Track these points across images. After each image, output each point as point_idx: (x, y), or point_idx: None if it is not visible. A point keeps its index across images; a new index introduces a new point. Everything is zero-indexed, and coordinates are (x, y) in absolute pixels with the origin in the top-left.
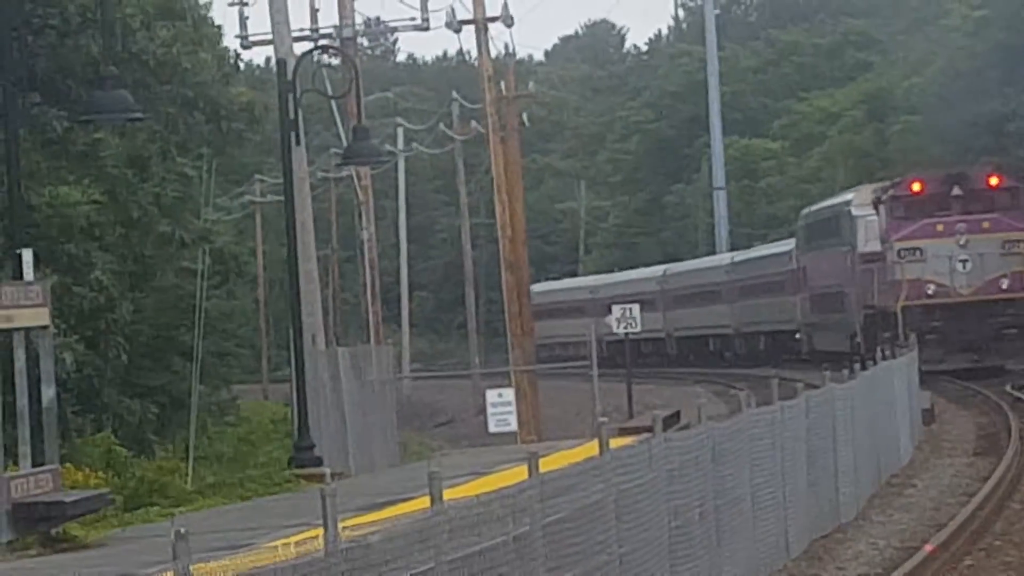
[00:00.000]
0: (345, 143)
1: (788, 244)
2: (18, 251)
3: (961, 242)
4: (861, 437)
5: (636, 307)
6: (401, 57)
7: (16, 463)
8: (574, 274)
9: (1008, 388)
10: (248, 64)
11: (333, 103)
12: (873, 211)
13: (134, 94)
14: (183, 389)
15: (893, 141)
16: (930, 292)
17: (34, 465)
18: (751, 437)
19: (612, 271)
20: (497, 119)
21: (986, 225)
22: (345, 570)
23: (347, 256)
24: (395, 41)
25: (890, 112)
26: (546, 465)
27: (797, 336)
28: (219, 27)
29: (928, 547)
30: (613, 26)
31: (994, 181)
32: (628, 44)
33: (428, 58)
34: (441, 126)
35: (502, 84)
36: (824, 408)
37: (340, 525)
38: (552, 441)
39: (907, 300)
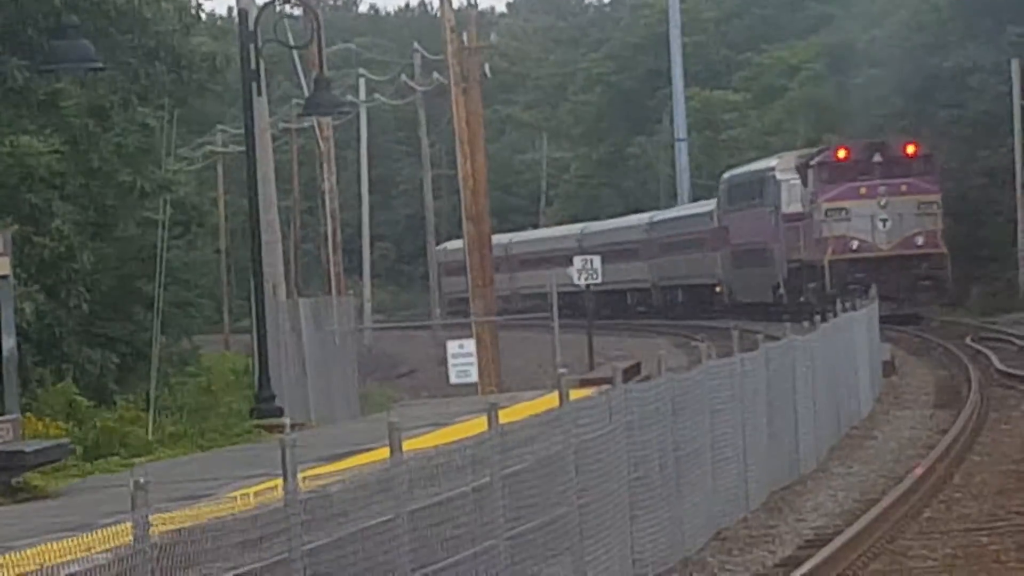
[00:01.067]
0: (307, 94)
1: (708, 204)
2: None
3: (881, 203)
4: (821, 389)
5: (598, 259)
6: (363, 8)
7: None
8: (535, 226)
9: (968, 340)
10: (210, 15)
11: (295, 53)
12: (796, 176)
13: (95, 44)
14: (144, 339)
15: (854, 94)
16: (854, 247)
17: None
18: (711, 389)
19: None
20: (459, 70)
21: (903, 188)
22: (305, 520)
23: (308, 207)
24: None
25: (852, 65)
26: (506, 416)
27: (717, 289)
28: None
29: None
30: None
31: (911, 149)
32: None
33: (390, 9)
34: (403, 77)
35: (464, 35)
36: (784, 360)
37: (300, 476)
38: (513, 392)
39: (834, 255)
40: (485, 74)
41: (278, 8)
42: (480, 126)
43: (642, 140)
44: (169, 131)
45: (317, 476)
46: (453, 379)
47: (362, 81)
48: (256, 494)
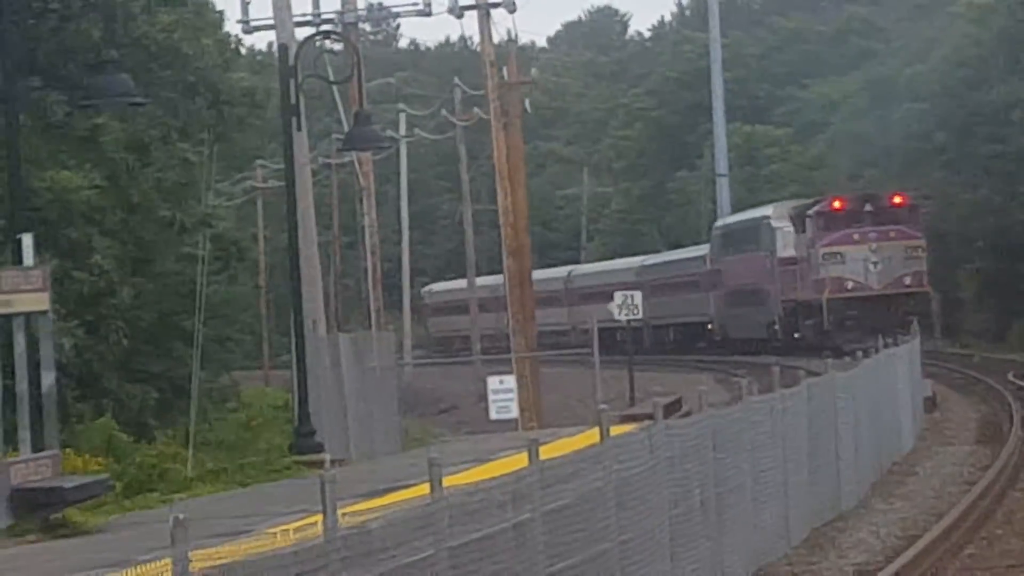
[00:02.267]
0: (347, 129)
1: (700, 249)
2: (18, 236)
3: (873, 248)
4: (863, 425)
5: (638, 294)
6: (403, 43)
7: (16, 448)
8: (577, 261)
9: (1010, 376)
10: (250, 49)
11: (335, 88)
12: (790, 224)
13: (135, 79)
14: (184, 375)
15: (896, 128)
16: (849, 287)
17: (34, 450)
18: (752, 425)
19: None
20: (499, 105)
21: (892, 235)
22: (344, 556)
23: (349, 242)
24: (397, 26)
25: (893, 100)
26: (547, 452)
27: (709, 327)
28: (221, 12)
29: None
30: (616, 12)
31: (898, 200)
32: (631, 30)
33: (430, 44)
34: (443, 112)
35: (504, 70)
36: (826, 396)
37: (340, 512)
38: (553, 428)
39: (831, 294)
40: (526, 109)
41: (318, 43)
42: (521, 161)
43: (683, 175)
44: (209, 166)
45: (357, 512)
46: (493, 415)
47: (402, 116)
48: (296, 530)
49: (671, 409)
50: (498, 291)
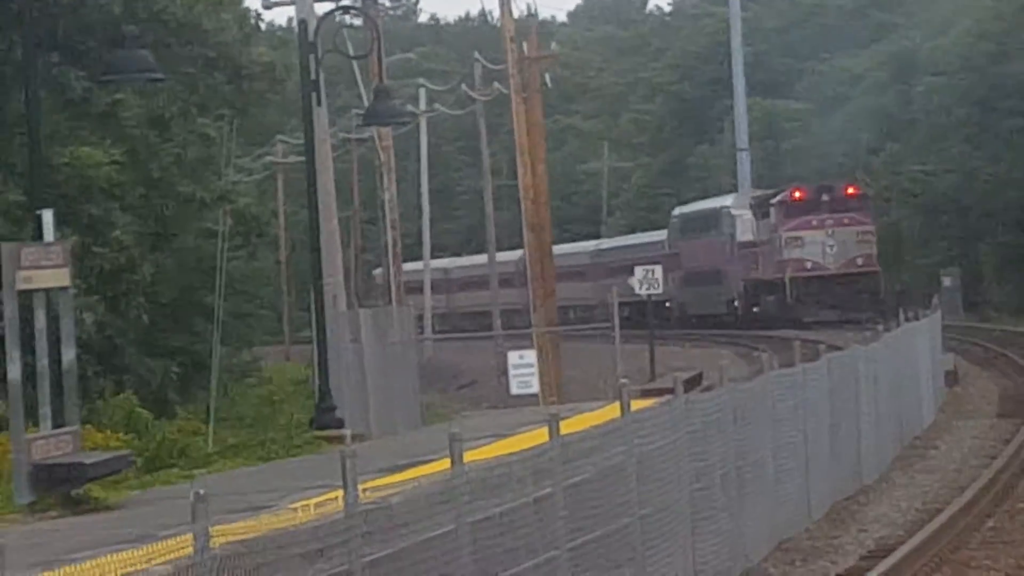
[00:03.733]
0: (367, 104)
1: (658, 235)
2: (39, 212)
3: (829, 233)
4: (884, 399)
5: (659, 268)
6: (423, 18)
7: (37, 424)
8: (597, 236)
9: None
10: (269, 25)
11: (355, 64)
12: (749, 212)
13: (155, 54)
14: (204, 350)
15: (917, 102)
16: (808, 267)
17: (55, 426)
18: (773, 399)
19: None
20: (519, 80)
21: (846, 221)
22: (365, 532)
23: (369, 217)
24: (417, 1)
25: (914, 74)
26: (567, 427)
27: (667, 305)
28: None
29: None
30: None
31: (851, 191)
32: (651, 5)
33: (450, 18)
34: (463, 87)
35: (524, 45)
36: (847, 370)
37: (360, 487)
38: (574, 403)
39: (793, 273)
40: (546, 83)
41: (338, 19)
42: (541, 136)
43: (704, 149)
44: (229, 142)
45: (378, 487)
46: (514, 390)
47: (422, 91)
48: (316, 506)
49: (692, 384)
50: (450, 274)
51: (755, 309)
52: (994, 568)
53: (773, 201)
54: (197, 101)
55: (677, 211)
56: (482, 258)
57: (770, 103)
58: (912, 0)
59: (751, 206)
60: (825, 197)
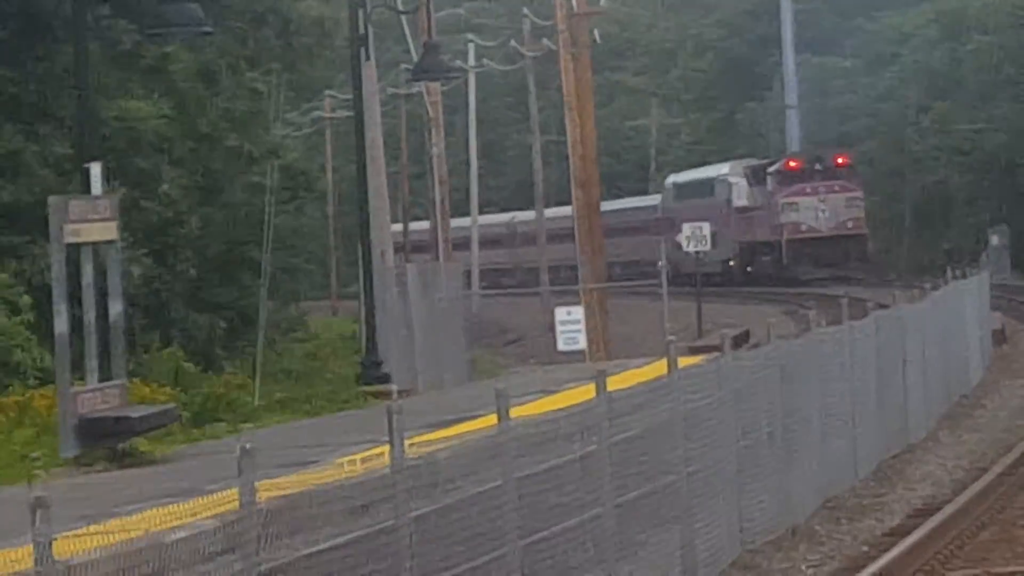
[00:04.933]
0: (416, 59)
1: (652, 199)
2: (87, 165)
3: (822, 199)
4: (931, 358)
5: (707, 225)
6: None
7: (83, 378)
8: (645, 192)
9: None
10: None
11: (404, 19)
12: (744, 179)
13: (204, 8)
14: (251, 305)
15: (966, 61)
16: (803, 229)
17: (101, 380)
18: (820, 356)
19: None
20: (568, 36)
21: (836, 188)
22: (412, 487)
23: (417, 173)
24: None
25: (964, 32)
26: (614, 384)
27: (660, 265)
28: None
29: None
30: None
31: (840, 160)
32: None
33: None
34: (512, 43)
35: (574, 0)
36: (894, 328)
37: (407, 442)
38: (621, 360)
39: (789, 235)
40: (595, 40)
41: None
42: (589, 92)
43: (752, 106)
44: (277, 96)
45: (424, 443)
46: (561, 346)
47: (471, 47)
48: (363, 460)
49: (739, 341)
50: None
51: (748, 269)
52: None
53: (770, 170)
54: (246, 55)
55: (671, 179)
56: (488, 218)
57: (819, 60)
58: None
59: (746, 175)
60: (817, 166)
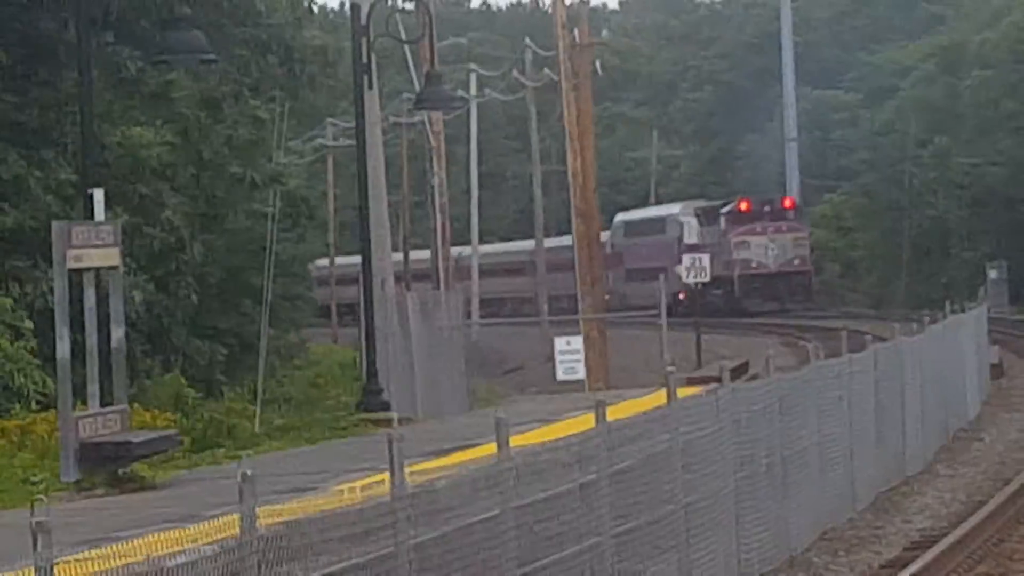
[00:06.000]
0: (418, 88)
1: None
2: (90, 191)
3: (771, 238)
4: (929, 390)
5: (706, 257)
6: (475, 3)
7: (85, 403)
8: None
9: None
10: (322, 8)
11: (406, 48)
12: (695, 218)
13: (208, 36)
14: (252, 331)
15: (965, 96)
16: (754, 266)
17: (103, 405)
18: (819, 389)
19: None
20: (570, 67)
21: (784, 228)
22: (411, 515)
23: (418, 201)
24: None
25: (963, 66)
26: (613, 413)
27: (607, 297)
28: None
29: None
30: None
31: (788, 203)
32: None
33: (502, 4)
34: (514, 73)
35: (575, 32)
36: (892, 361)
37: (407, 470)
38: (620, 390)
39: (741, 271)
40: (596, 71)
41: (390, 3)
42: (590, 123)
43: (752, 139)
44: (280, 124)
45: (424, 471)
46: (560, 376)
47: (473, 76)
48: (363, 488)
49: (738, 372)
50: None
51: (700, 304)
52: None
53: (723, 211)
54: (249, 83)
55: (620, 217)
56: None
57: (819, 93)
58: None
59: (697, 214)
60: (767, 208)
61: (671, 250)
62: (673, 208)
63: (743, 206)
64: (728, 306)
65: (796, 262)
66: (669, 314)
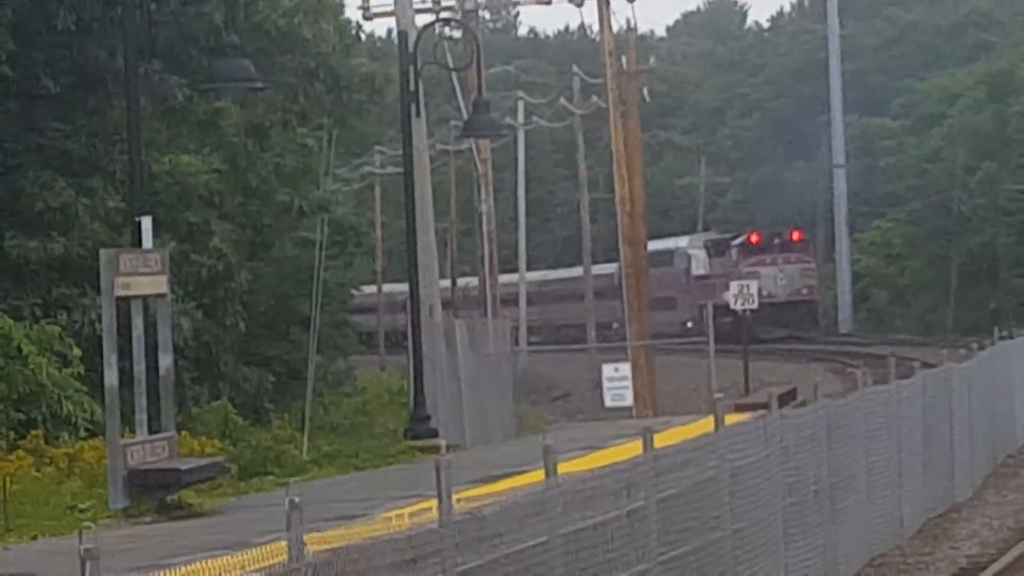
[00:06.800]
0: (465, 116)
1: (609, 267)
2: (138, 218)
3: (780, 269)
4: (977, 417)
5: (754, 284)
6: (522, 31)
7: (133, 430)
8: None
9: None
10: (369, 36)
11: (454, 76)
12: (703, 251)
13: (255, 63)
14: (300, 359)
15: (1013, 123)
16: (764, 295)
17: (151, 432)
18: (867, 415)
19: None
20: (618, 94)
21: (792, 260)
22: (459, 542)
23: (465, 229)
24: (517, 14)
25: (1011, 93)
26: (661, 440)
27: (614, 326)
28: None
29: None
30: (735, 2)
31: (796, 236)
32: (750, 21)
33: (549, 32)
34: (561, 100)
35: (623, 59)
36: (941, 387)
37: (455, 497)
38: (667, 416)
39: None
40: (644, 98)
41: (438, 30)
42: (638, 150)
43: (800, 166)
44: (327, 151)
45: (471, 498)
46: (608, 402)
47: (521, 104)
48: (410, 515)
49: (786, 399)
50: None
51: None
52: None
53: (734, 243)
54: (297, 111)
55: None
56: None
57: (866, 121)
58: (1009, 20)
59: (706, 247)
60: (776, 241)
61: (679, 281)
62: (681, 241)
63: (754, 239)
64: (737, 332)
65: (804, 291)
66: (682, 339)
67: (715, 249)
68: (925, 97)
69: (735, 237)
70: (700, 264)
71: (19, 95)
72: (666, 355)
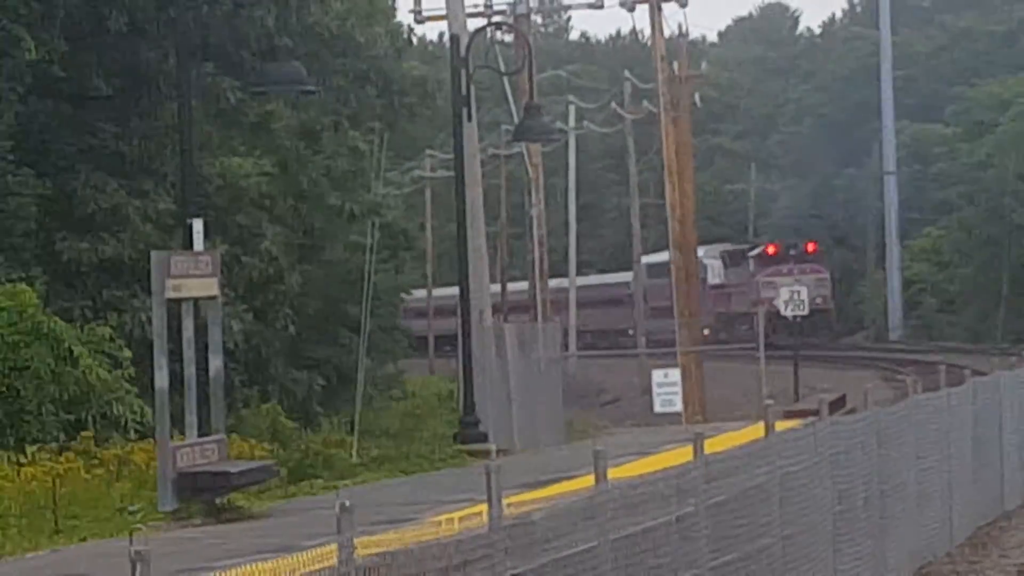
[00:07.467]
0: (516, 120)
1: (625, 276)
2: (189, 221)
3: (795, 278)
4: None
5: (804, 290)
6: (574, 35)
7: (183, 433)
8: None
9: None
10: (421, 39)
11: (505, 80)
12: (719, 261)
13: (307, 66)
14: (350, 362)
15: None
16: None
17: (200, 435)
18: (917, 423)
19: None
20: (669, 99)
21: (807, 270)
22: (509, 547)
23: (516, 233)
24: (568, 19)
25: None
26: (711, 446)
27: (630, 332)
28: (393, 1)
29: None
30: (787, 8)
31: (811, 247)
32: (801, 27)
33: (601, 37)
34: (612, 105)
35: (675, 64)
36: (991, 395)
37: (504, 501)
38: (717, 422)
39: (768, 309)
40: (695, 103)
41: (490, 34)
42: (689, 155)
43: (851, 172)
44: (379, 155)
45: (521, 502)
46: (658, 408)
47: (572, 108)
48: (460, 519)
49: (836, 406)
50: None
51: (722, 335)
52: None
53: (751, 254)
54: (348, 114)
55: (644, 259)
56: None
57: (918, 127)
58: None
59: (722, 257)
60: (792, 252)
61: (695, 290)
62: (698, 251)
63: (770, 250)
64: (751, 339)
65: (818, 300)
66: (731, 346)
67: (731, 259)
68: (977, 104)
69: (752, 248)
70: (716, 273)
71: (71, 96)
72: (713, 361)
